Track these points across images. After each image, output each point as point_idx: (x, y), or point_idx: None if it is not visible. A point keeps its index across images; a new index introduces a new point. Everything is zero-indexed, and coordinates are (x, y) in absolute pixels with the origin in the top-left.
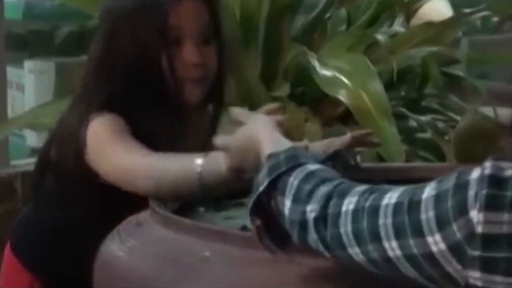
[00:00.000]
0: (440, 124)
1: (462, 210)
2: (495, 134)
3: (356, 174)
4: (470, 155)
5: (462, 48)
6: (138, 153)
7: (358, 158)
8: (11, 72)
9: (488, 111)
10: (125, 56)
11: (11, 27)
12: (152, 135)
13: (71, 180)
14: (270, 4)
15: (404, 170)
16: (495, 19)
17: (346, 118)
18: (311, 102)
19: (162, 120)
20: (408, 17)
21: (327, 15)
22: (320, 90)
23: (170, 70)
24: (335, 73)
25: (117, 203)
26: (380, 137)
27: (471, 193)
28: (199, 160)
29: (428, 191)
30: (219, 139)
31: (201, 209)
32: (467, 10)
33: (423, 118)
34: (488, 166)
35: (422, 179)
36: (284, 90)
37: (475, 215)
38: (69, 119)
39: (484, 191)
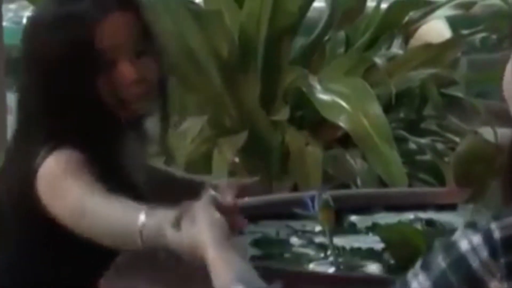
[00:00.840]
0: (440, 146)
1: (473, 285)
2: (494, 157)
3: (356, 201)
4: (469, 179)
5: (461, 67)
6: (92, 193)
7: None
8: (11, 98)
9: (487, 131)
10: (60, 87)
11: (10, 53)
12: (109, 160)
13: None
14: (268, 27)
15: (403, 195)
16: (494, 37)
17: (347, 141)
18: (311, 125)
19: (115, 143)
20: (407, 39)
21: (326, 38)
22: (320, 113)
23: (110, 94)
24: (334, 97)
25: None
26: (381, 160)
27: (476, 264)
28: (142, 217)
29: (420, 282)
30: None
31: None
32: (466, 31)
33: (422, 140)
34: (494, 228)
35: (422, 205)
36: (283, 114)
37: (496, 285)
38: (15, 157)
39: (502, 260)
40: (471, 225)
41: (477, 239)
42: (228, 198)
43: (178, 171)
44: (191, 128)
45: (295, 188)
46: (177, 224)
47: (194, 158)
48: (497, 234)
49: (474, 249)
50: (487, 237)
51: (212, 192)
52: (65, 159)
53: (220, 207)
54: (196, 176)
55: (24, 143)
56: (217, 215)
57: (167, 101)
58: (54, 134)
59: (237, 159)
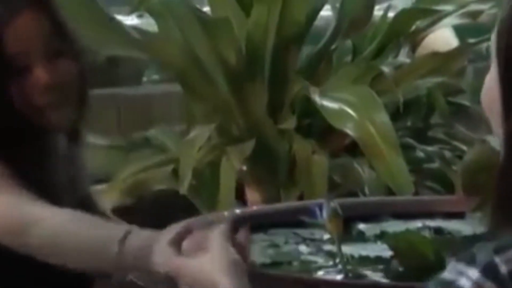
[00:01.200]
0: (447, 154)
1: None
2: None
3: (363, 210)
4: (477, 187)
5: (468, 76)
6: (32, 204)
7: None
8: None
9: (494, 139)
10: None
11: None
12: (35, 175)
13: None
14: (275, 37)
15: (411, 203)
16: None
17: (354, 149)
18: (318, 134)
19: (36, 157)
20: (414, 47)
21: (333, 47)
22: (327, 122)
23: (25, 103)
24: (341, 106)
25: None
26: (388, 168)
27: None
28: (121, 234)
29: None
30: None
31: None
32: (473, 40)
33: (430, 148)
34: (498, 262)
35: (430, 213)
36: (290, 122)
37: None
38: None
39: None
40: (466, 259)
41: (476, 274)
42: (242, 236)
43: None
44: (198, 137)
45: (302, 197)
46: (174, 245)
47: (201, 166)
48: (503, 269)
49: (478, 285)
50: (492, 272)
51: (225, 226)
52: None
53: (233, 242)
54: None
55: None
56: (232, 248)
57: (84, 109)
58: None
59: (244, 167)
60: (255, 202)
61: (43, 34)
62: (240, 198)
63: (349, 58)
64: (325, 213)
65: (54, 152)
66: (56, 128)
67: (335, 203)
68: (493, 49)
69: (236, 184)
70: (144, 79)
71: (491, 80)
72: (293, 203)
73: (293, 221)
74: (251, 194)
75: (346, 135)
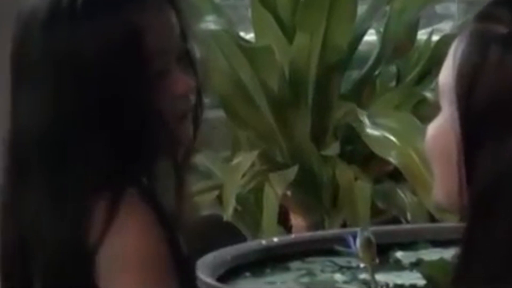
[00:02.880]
0: None
1: None
2: None
3: (402, 237)
4: None
5: None
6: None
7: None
8: None
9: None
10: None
11: None
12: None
13: None
14: (318, 63)
15: (450, 230)
16: None
17: (397, 175)
18: (361, 160)
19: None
20: None
21: (376, 72)
22: (369, 148)
23: (165, 111)
24: (384, 132)
25: None
26: (430, 195)
27: None
28: None
29: None
30: None
31: (247, 273)
32: None
33: None
34: None
35: None
36: (334, 149)
37: None
38: (45, 220)
39: None
40: None
41: None
42: None
43: None
44: (242, 163)
45: (346, 223)
46: None
47: (245, 192)
48: None
49: None
50: None
51: None
52: (144, 222)
53: None
54: None
55: (50, 195)
56: None
57: (198, 127)
58: (113, 178)
59: (288, 193)
60: (299, 228)
61: (177, 34)
62: (285, 223)
63: (393, 83)
64: (358, 242)
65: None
66: (180, 146)
67: (368, 232)
68: (445, 92)
69: (280, 210)
70: None
71: (442, 126)
72: (327, 232)
73: (332, 249)
74: (295, 220)
75: (389, 161)
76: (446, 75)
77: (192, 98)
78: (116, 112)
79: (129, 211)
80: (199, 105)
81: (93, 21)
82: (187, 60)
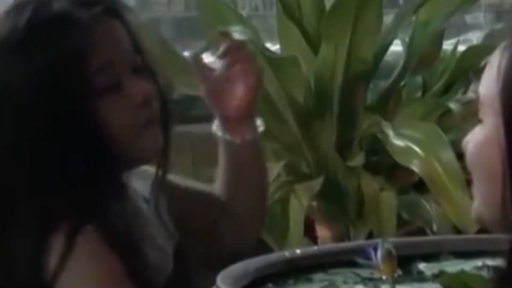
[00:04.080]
0: None
1: None
2: None
3: (425, 248)
4: None
5: None
6: None
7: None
8: None
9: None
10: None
11: None
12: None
13: None
14: (343, 74)
15: (473, 241)
16: None
17: (421, 186)
18: (386, 170)
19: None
20: None
21: (402, 83)
22: (394, 158)
23: (118, 125)
24: (408, 143)
25: None
26: (454, 206)
27: None
28: None
29: None
30: None
31: (270, 285)
32: None
33: None
34: None
35: (492, 252)
36: (359, 159)
37: None
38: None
39: None
40: None
41: None
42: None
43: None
44: None
45: (371, 234)
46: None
47: (271, 203)
48: None
49: None
50: None
51: None
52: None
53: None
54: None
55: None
56: None
57: (168, 140)
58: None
59: (314, 204)
60: (325, 239)
61: (127, 47)
62: (310, 234)
63: (419, 93)
64: (379, 254)
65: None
66: (151, 154)
67: (389, 243)
68: (488, 103)
69: (306, 221)
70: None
71: (486, 138)
72: (348, 244)
73: (355, 260)
74: (321, 231)
75: (414, 172)
76: (489, 86)
77: (156, 104)
78: (67, 137)
79: (84, 243)
80: (164, 110)
81: (33, 45)
82: (144, 68)
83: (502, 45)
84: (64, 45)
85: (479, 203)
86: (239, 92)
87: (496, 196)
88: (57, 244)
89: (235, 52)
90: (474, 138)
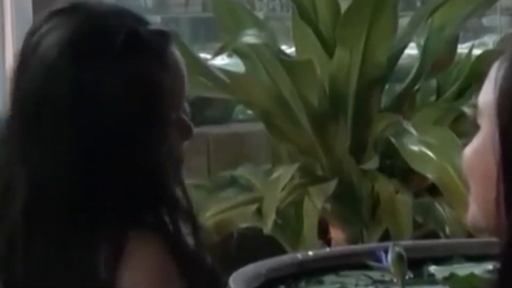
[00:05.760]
0: None
1: None
2: None
3: (437, 252)
4: None
5: None
6: None
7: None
8: None
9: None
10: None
11: None
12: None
13: None
14: (358, 78)
15: (485, 245)
16: None
17: (435, 190)
18: (401, 174)
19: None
20: None
21: (416, 87)
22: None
23: (177, 153)
24: (421, 148)
25: None
26: (467, 210)
27: None
28: None
29: None
30: None
31: (282, 286)
32: None
33: None
34: None
35: None
36: (373, 163)
37: None
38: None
39: None
40: None
41: None
42: None
43: None
44: (282, 176)
45: (384, 236)
46: None
47: (285, 205)
48: None
49: None
50: None
51: None
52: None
53: None
54: None
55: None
56: None
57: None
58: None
59: (328, 206)
60: (339, 241)
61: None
62: (324, 236)
63: (433, 97)
64: (390, 257)
65: None
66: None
67: (399, 247)
68: (485, 111)
69: (320, 223)
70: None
71: (482, 145)
72: (362, 246)
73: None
74: (335, 233)
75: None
76: (487, 94)
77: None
78: (130, 159)
79: (136, 251)
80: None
81: (127, 64)
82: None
83: (501, 57)
84: (153, 70)
85: (474, 209)
86: None
87: (490, 201)
88: (108, 254)
89: None
90: (471, 144)
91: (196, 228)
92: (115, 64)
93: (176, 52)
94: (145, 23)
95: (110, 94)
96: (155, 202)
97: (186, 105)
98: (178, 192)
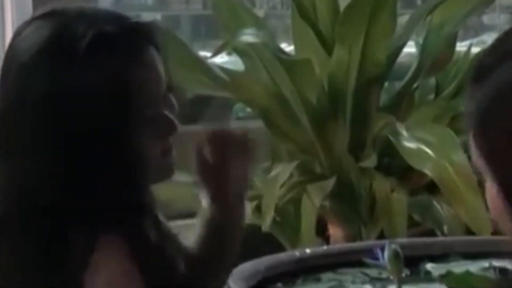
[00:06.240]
0: None
1: None
2: None
3: (434, 249)
4: None
5: None
6: None
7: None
8: None
9: None
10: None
11: None
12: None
13: None
14: (357, 76)
15: (482, 243)
16: None
17: (433, 188)
18: (398, 172)
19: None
20: None
21: (415, 85)
22: (406, 160)
23: (156, 152)
24: (420, 145)
25: None
26: (466, 208)
27: None
28: None
29: None
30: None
31: (279, 283)
32: None
33: None
34: None
35: (500, 253)
36: (371, 161)
37: None
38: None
39: None
40: None
41: None
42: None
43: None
44: (280, 174)
45: (383, 234)
46: None
47: (283, 203)
48: None
49: None
50: None
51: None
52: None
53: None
54: None
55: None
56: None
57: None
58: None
59: (326, 204)
60: (337, 238)
61: (163, 75)
62: (324, 234)
63: (432, 95)
64: (386, 255)
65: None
66: (163, 178)
67: (396, 244)
68: (482, 169)
69: (319, 221)
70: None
71: (491, 195)
72: (356, 244)
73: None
74: (334, 231)
75: (426, 173)
76: (475, 156)
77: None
78: (100, 158)
79: (101, 254)
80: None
81: (94, 65)
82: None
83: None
84: (122, 68)
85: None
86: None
87: None
88: (79, 246)
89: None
90: (487, 192)
91: (161, 232)
92: (83, 65)
93: (149, 48)
94: (121, 22)
95: (77, 94)
96: (120, 203)
97: (171, 100)
98: (148, 193)
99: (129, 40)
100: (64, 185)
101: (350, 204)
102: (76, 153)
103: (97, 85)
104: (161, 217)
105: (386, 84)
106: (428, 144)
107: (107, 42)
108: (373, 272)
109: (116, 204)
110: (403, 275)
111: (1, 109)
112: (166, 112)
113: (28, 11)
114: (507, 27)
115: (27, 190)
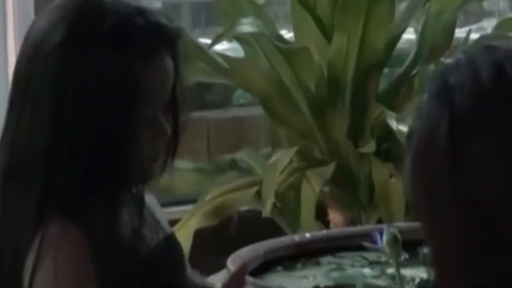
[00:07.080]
0: None
1: None
2: None
3: None
4: None
5: None
6: None
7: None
8: None
9: None
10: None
11: None
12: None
13: None
14: (356, 63)
15: None
16: None
17: None
18: (396, 158)
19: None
20: None
21: (414, 72)
22: (404, 146)
23: (147, 156)
24: None
25: None
26: None
27: None
28: None
29: None
30: None
31: (279, 267)
32: None
33: None
34: None
35: None
36: (370, 146)
37: None
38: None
39: None
40: None
41: None
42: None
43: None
44: (280, 160)
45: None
46: None
47: (283, 188)
48: None
49: None
50: None
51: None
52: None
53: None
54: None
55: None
56: None
57: (162, 172)
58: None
59: (326, 189)
60: (337, 223)
61: (169, 86)
62: (323, 219)
63: None
64: (384, 239)
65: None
66: (150, 182)
67: (394, 228)
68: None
69: (318, 206)
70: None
71: None
72: (355, 228)
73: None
74: (333, 216)
75: None
76: None
77: (163, 146)
78: (96, 145)
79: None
80: (170, 154)
81: (112, 52)
82: (172, 110)
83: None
84: (131, 67)
85: None
86: None
87: None
88: (37, 239)
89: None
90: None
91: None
92: (97, 47)
93: (166, 53)
94: (152, 17)
95: (87, 76)
96: (94, 194)
97: (166, 121)
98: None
99: (150, 38)
100: (54, 158)
101: (349, 189)
102: (71, 131)
103: (105, 72)
104: (157, 216)
105: (385, 70)
106: None
107: (128, 31)
108: (372, 256)
109: (88, 193)
110: (402, 258)
111: (13, 82)
112: (161, 118)
113: (30, 11)
114: (507, 13)
115: (21, 156)
